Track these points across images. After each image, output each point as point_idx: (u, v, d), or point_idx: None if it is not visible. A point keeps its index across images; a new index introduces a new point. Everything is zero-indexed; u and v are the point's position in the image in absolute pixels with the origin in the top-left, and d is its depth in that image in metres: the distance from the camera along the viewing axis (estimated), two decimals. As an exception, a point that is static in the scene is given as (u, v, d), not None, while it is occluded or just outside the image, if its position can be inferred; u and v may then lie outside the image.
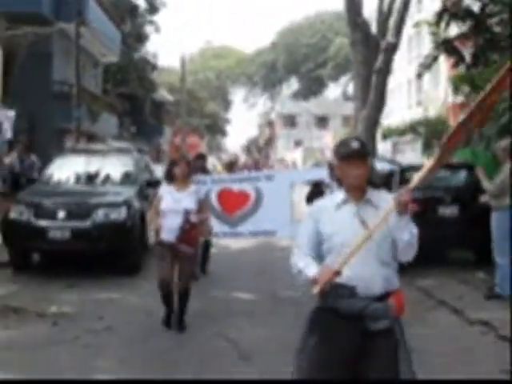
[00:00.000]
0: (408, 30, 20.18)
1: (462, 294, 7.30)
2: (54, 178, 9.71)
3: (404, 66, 39.08)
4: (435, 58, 16.22)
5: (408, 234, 2.74)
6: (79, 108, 14.86)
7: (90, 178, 9.59)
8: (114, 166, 9.92)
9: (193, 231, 5.91)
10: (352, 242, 2.72)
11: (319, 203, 3.10)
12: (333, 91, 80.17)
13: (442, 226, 8.92)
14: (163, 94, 38.28)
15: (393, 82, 40.58)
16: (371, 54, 14.95)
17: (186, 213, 5.82)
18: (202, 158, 9.59)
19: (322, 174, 7.73)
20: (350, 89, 79.32)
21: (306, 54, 74.84)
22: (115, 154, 10.60)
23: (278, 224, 8.25)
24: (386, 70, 14.50)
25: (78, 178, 9.61)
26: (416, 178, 2.88)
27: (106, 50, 21.45)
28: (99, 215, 8.26)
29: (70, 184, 9.52)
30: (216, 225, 7.91)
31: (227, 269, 9.44)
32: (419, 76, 18.90)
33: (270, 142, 69.72)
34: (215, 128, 59.58)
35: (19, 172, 11.37)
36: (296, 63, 75.62)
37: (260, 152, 72.69)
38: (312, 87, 76.14)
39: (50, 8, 16.63)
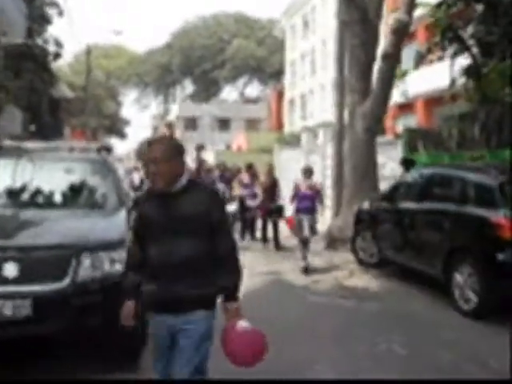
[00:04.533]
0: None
1: None
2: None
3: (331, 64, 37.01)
4: (437, 45, 13.75)
5: None
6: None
7: (40, 197, 5.85)
8: (74, 176, 6.21)
9: None
10: None
11: None
12: (229, 94, 78.22)
13: None
14: (63, 90, 33.48)
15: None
16: (369, 36, 12.15)
17: None
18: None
19: None
20: (248, 91, 78.13)
21: (202, 56, 72.57)
22: (72, 156, 6.79)
23: None
24: (395, 55, 11.75)
25: (18, 197, 5.80)
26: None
27: (8, 27, 16.99)
28: (84, 267, 4.62)
29: (8, 208, 5.68)
30: None
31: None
32: (417, 66, 16.46)
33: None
34: (114, 129, 54.82)
35: None
36: (191, 65, 72.91)
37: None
38: (208, 89, 73.80)
39: None
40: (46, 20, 26.39)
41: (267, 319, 6.76)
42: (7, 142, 7.74)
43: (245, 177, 13.36)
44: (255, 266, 9.93)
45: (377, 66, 12.01)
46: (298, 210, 9.64)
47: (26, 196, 5.81)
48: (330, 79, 36.98)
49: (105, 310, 4.61)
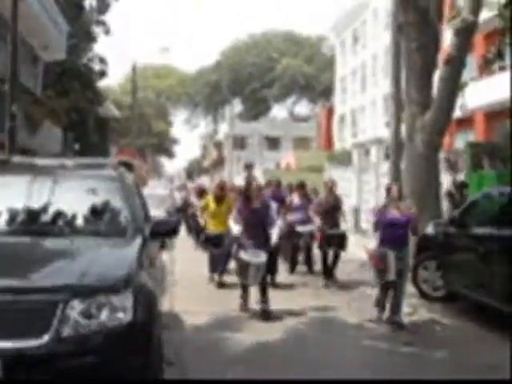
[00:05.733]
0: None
1: None
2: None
3: (379, 81, 35.69)
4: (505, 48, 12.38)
5: None
6: (15, 109, 9.85)
7: (39, 222, 4.85)
8: (82, 197, 5.19)
9: None
10: None
11: None
12: (277, 112, 77.43)
13: None
14: (110, 109, 33.21)
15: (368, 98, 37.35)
16: (429, 39, 10.92)
17: None
18: None
19: None
20: (297, 110, 77.08)
21: (251, 74, 72.23)
22: (85, 174, 5.79)
23: None
24: (459, 59, 10.43)
25: (14, 223, 4.82)
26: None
27: (48, 41, 16.42)
28: (73, 318, 3.57)
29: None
30: None
31: None
32: (481, 72, 15.13)
33: (219, 164, 65.32)
34: (162, 148, 54.65)
35: None
36: (240, 83, 72.68)
37: (202, 175, 68.21)
38: (256, 108, 73.29)
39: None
40: (91, 38, 26.06)
41: (313, 366, 5.60)
42: (16, 158, 6.69)
43: (295, 197, 11.42)
44: (300, 302, 8.72)
45: (438, 73, 10.76)
46: (383, 241, 7.24)
47: (19, 220, 4.81)
48: (381, 95, 35.63)
49: (100, 376, 3.54)
